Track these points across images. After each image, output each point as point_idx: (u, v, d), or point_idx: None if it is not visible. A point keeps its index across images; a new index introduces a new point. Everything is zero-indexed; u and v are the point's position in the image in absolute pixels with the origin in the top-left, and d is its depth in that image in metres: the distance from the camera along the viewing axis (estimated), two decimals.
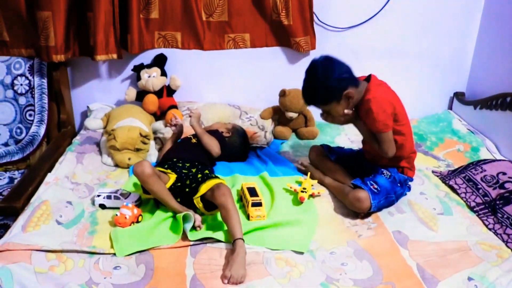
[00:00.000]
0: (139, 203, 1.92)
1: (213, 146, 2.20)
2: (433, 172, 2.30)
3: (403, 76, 2.84)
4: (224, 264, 1.58)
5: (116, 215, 1.76)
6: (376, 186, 1.88)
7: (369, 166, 2.05)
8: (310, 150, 2.30)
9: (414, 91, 2.88)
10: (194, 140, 2.24)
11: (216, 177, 1.93)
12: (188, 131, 2.33)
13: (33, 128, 2.46)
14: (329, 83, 1.84)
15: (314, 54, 2.68)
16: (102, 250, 1.63)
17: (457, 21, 2.77)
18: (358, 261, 1.65)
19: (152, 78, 2.59)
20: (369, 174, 1.98)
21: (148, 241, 1.67)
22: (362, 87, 1.90)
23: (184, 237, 1.70)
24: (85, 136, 2.48)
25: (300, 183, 2.07)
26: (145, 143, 2.27)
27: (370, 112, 1.84)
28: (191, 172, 1.95)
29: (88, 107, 2.70)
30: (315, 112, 2.56)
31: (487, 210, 1.94)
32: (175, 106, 2.62)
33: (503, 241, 1.77)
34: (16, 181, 2.19)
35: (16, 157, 2.38)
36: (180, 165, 2.01)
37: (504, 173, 2.04)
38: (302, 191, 1.97)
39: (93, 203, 1.92)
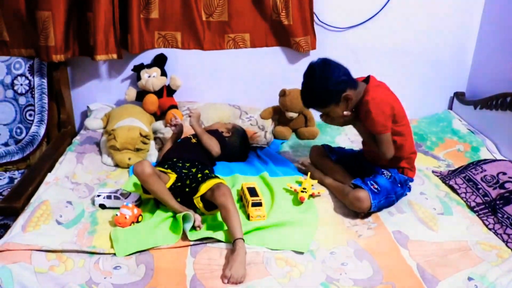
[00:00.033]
0: (139, 203, 1.92)
1: (213, 145, 2.20)
2: (433, 172, 2.30)
3: (403, 76, 2.84)
4: (224, 264, 1.58)
5: (116, 215, 1.76)
6: (376, 186, 1.88)
7: (369, 166, 2.05)
8: (311, 150, 2.30)
9: (414, 91, 2.88)
10: (194, 140, 2.24)
11: (216, 177, 1.93)
12: (188, 131, 2.33)
13: (33, 128, 2.46)
14: (327, 86, 1.85)
15: (314, 54, 2.70)
16: (102, 250, 1.63)
17: (457, 21, 2.77)
18: (358, 261, 1.65)
19: (152, 78, 2.59)
20: (370, 174, 1.98)
21: (148, 241, 1.67)
22: (361, 88, 1.90)
23: (184, 237, 1.70)
24: (85, 136, 2.48)
25: (300, 183, 2.07)
26: (145, 143, 2.27)
27: (369, 113, 1.84)
28: (191, 172, 1.95)
29: (88, 107, 2.70)
30: (315, 112, 2.56)
31: (487, 210, 1.94)
32: (175, 106, 2.62)
33: (503, 241, 1.77)
34: (16, 181, 2.19)
35: (16, 157, 2.38)
36: (180, 165, 2.01)
37: (504, 173, 2.04)
38: (302, 191, 1.97)
39: (93, 203, 1.92)
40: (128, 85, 2.74)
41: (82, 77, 2.70)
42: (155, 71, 2.61)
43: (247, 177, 2.16)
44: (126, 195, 1.91)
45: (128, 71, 2.71)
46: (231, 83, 2.79)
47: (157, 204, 1.90)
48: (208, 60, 2.71)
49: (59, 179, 2.04)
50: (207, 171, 1.99)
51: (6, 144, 2.45)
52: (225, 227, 1.72)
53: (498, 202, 1.93)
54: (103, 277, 1.52)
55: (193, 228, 1.74)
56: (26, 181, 1.98)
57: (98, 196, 1.89)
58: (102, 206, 1.89)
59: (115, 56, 2.52)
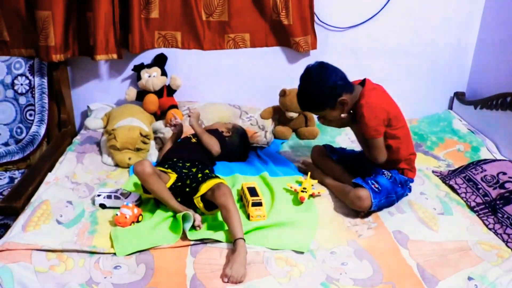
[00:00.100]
0: (139, 202, 1.92)
1: (213, 144, 2.20)
2: (433, 172, 2.30)
3: (403, 76, 2.85)
4: (225, 264, 1.58)
5: (117, 214, 1.76)
6: (377, 186, 1.89)
7: (370, 166, 2.05)
8: (312, 150, 2.31)
9: (415, 91, 2.88)
10: (194, 140, 2.24)
11: (217, 176, 1.93)
12: (188, 131, 2.33)
13: (34, 128, 2.46)
14: (323, 91, 1.87)
15: (315, 54, 2.70)
16: (103, 249, 1.63)
17: (457, 21, 2.77)
18: (358, 261, 1.65)
19: (152, 78, 2.59)
20: (370, 174, 1.99)
21: (148, 240, 1.67)
22: (357, 92, 1.92)
23: (184, 236, 1.70)
24: (86, 135, 2.48)
25: (300, 183, 2.07)
26: (145, 143, 2.27)
27: (362, 117, 1.86)
28: (191, 172, 1.95)
29: (88, 106, 2.70)
30: None
31: (487, 210, 1.94)
32: (175, 106, 2.62)
33: (503, 241, 1.77)
34: (16, 180, 2.19)
35: (16, 157, 2.38)
36: (181, 164, 2.01)
37: (504, 173, 2.04)
38: (302, 191, 1.97)
39: (93, 202, 1.92)
40: (128, 85, 2.74)
41: (82, 77, 2.70)
42: (155, 71, 2.61)
43: (247, 177, 2.16)
44: (126, 194, 1.91)
45: (128, 71, 2.71)
46: (231, 83, 2.79)
47: (157, 204, 1.90)
48: (208, 60, 2.71)
49: (59, 179, 2.04)
50: (207, 171, 1.99)
51: (6, 144, 2.45)
52: (225, 227, 1.72)
53: (498, 202, 1.93)
54: (103, 276, 1.52)
55: (193, 227, 1.74)
56: (26, 181, 1.98)
57: (98, 195, 1.89)
58: (102, 206, 1.89)
59: (115, 56, 2.52)
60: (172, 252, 1.64)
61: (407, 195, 2.04)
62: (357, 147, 2.43)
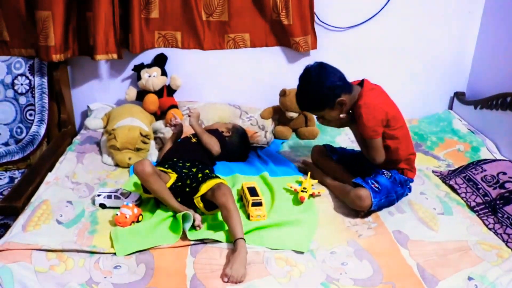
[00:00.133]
0: (140, 202, 1.92)
1: (213, 144, 2.20)
2: (433, 172, 2.31)
3: (403, 76, 2.84)
4: (225, 264, 1.58)
5: (117, 214, 1.76)
6: (377, 185, 1.89)
7: (370, 166, 2.05)
8: (313, 149, 2.31)
9: (415, 91, 2.88)
10: (194, 140, 2.24)
11: (217, 176, 1.93)
12: (188, 131, 2.33)
13: (34, 128, 2.46)
14: (322, 91, 1.87)
15: (315, 54, 2.70)
16: (103, 249, 1.63)
17: (457, 21, 2.77)
18: (358, 261, 1.65)
19: (152, 78, 2.59)
20: (370, 174, 1.99)
21: (148, 240, 1.67)
22: (355, 92, 1.92)
23: (184, 236, 1.69)
24: (86, 135, 2.48)
25: (300, 183, 2.07)
26: (145, 143, 2.27)
27: (360, 117, 1.86)
28: (191, 172, 1.95)
29: (88, 106, 2.70)
30: None
31: (487, 210, 1.94)
32: (175, 106, 2.62)
33: (503, 241, 1.77)
34: (16, 180, 2.19)
35: (16, 157, 2.38)
36: (181, 164, 2.01)
37: (504, 173, 2.04)
38: (302, 191, 1.97)
39: (93, 202, 1.92)
40: (128, 85, 2.74)
41: (82, 76, 2.70)
42: (156, 70, 2.61)
43: (247, 177, 2.16)
44: (126, 194, 1.91)
45: (128, 71, 2.71)
46: (231, 83, 2.79)
47: (157, 204, 1.90)
48: (208, 60, 2.71)
49: (60, 179, 2.04)
50: (207, 171, 1.99)
51: (6, 144, 2.45)
52: (225, 227, 1.72)
53: (498, 202, 1.93)
54: (103, 276, 1.52)
55: (193, 227, 1.74)
56: (27, 180, 1.98)
57: (99, 195, 1.89)
58: (102, 206, 1.89)
59: (115, 56, 2.51)
60: (172, 252, 1.64)
61: (407, 194, 2.04)
62: (357, 147, 2.42)
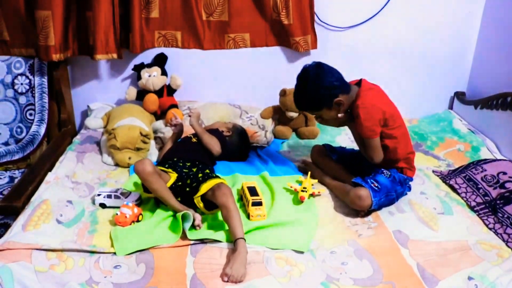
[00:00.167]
0: (140, 202, 1.92)
1: (213, 144, 2.20)
2: (433, 171, 2.30)
3: (403, 75, 2.84)
4: (225, 263, 1.58)
5: (117, 214, 1.76)
6: (376, 184, 1.89)
7: (369, 166, 2.05)
8: (312, 149, 2.31)
9: (415, 91, 2.88)
10: (194, 140, 2.24)
11: (217, 176, 1.93)
12: (188, 131, 2.33)
13: (34, 128, 2.46)
14: (320, 91, 1.88)
15: (315, 54, 2.70)
16: (102, 249, 1.63)
17: (457, 21, 2.77)
18: (358, 261, 1.65)
19: (152, 78, 2.59)
20: (370, 174, 1.99)
21: (148, 240, 1.67)
22: (353, 92, 1.93)
23: (184, 236, 1.69)
24: (86, 135, 2.48)
25: (300, 183, 2.07)
26: (145, 143, 2.27)
27: (358, 117, 1.87)
28: (191, 172, 1.95)
29: (88, 106, 2.70)
30: None
31: (487, 210, 1.94)
32: (175, 106, 2.62)
33: (504, 240, 1.77)
34: (16, 180, 2.19)
35: (16, 156, 2.38)
36: (181, 164, 2.01)
37: (505, 173, 2.04)
38: (302, 191, 1.97)
39: (93, 202, 1.92)
40: (128, 85, 2.74)
41: (82, 76, 2.70)
42: (156, 70, 2.61)
43: (248, 177, 2.16)
44: (126, 194, 1.91)
45: (128, 71, 2.71)
46: (231, 83, 2.79)
47: (157, 204, 1.90)
48: (208, 60, 2.71)
49: (60, 178, 2.03)
50: (207, 171, 1.99)
51: (6, 144, 2.45)
52: (226, 227, 1.72)
53: (498, 201, 1.93)
54: (103, 276, 1.52)
55: (193, 227, 1.74)
56: (27, 180, 1.98)
57: (99, 195, 1.89)
58: (102, 205, 1.89)
59: (115, 55, 2.51)
60: (172, 252, 1.64)
61: (406, 193, 2.04)
62: (357, 146, 2.43)
